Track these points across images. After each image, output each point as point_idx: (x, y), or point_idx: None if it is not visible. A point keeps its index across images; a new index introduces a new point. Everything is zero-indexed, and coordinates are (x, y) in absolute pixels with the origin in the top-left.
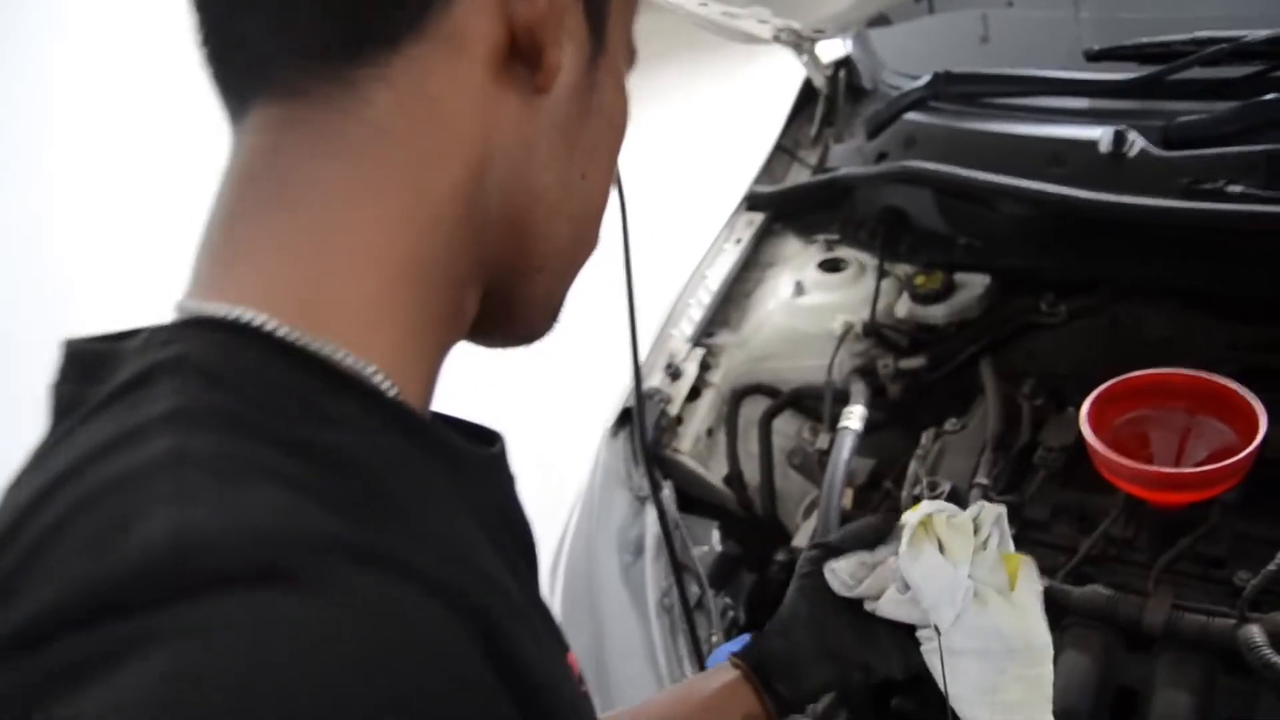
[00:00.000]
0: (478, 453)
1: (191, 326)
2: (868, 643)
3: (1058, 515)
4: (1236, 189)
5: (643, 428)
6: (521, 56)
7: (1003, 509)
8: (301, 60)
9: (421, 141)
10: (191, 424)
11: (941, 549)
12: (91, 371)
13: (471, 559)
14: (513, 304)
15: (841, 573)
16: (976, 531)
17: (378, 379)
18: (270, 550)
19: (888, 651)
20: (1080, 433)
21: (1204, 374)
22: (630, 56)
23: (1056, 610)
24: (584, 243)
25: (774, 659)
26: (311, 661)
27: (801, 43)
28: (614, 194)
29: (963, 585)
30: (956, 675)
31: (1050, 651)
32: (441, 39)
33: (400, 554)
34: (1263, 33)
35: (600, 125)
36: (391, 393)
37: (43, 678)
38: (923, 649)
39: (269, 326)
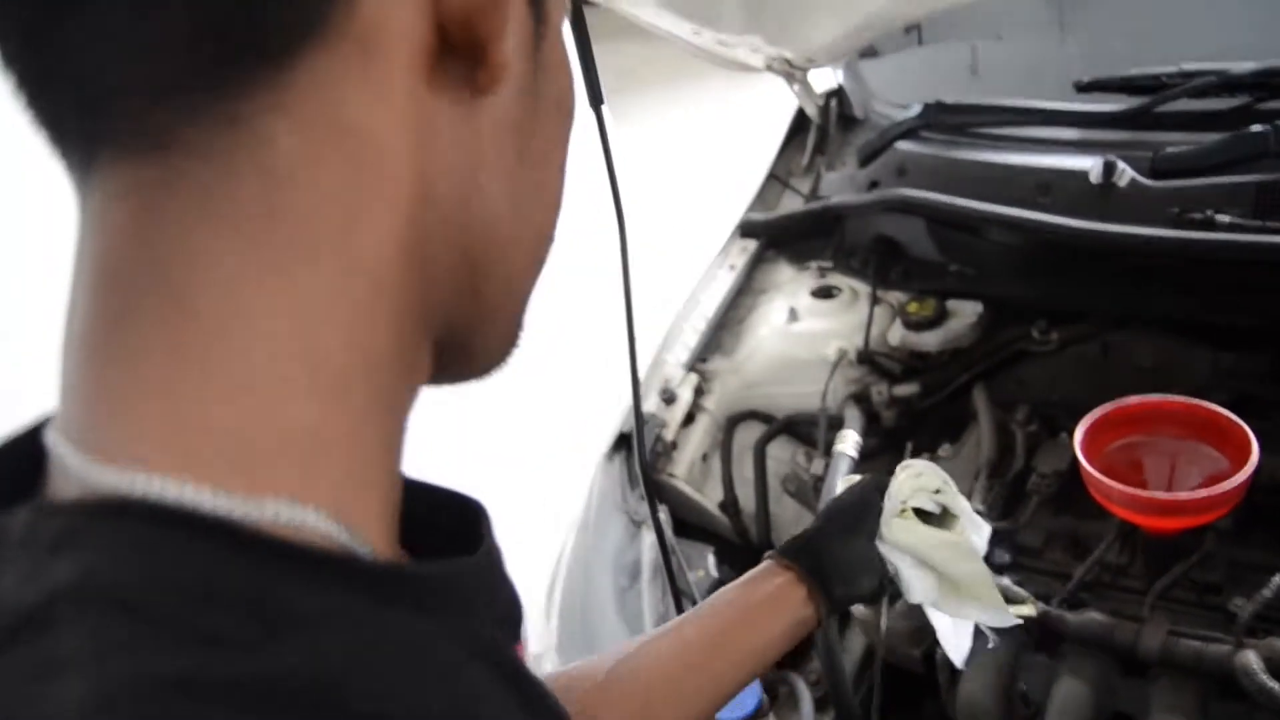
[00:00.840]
0: (459, 574)
1: (88, 515)
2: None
3: (1052, 541)
4: (1225, 219)
5: (642, 451)
6: (454, 52)
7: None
8: (162, 94)
9: (340, 187)
10: (116, 710)
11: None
12: None
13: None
14: (471, 348)
15: None
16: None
17: (334, 535)
18: None
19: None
20: (1073, 459)
21: (1196, 401)
22: (564, 9)
23: (1052, 636)
24: (540, 261)
25: (832, 559)
26: None
27: (794, 72)
28: (615, 224)
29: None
30: (913, 588)
31: (978, 552)
32: (350, 44)
33: None
34: (1248, 65)
35: (550, 118)
36: (351, 547)
37: None
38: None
39: (193, 508)
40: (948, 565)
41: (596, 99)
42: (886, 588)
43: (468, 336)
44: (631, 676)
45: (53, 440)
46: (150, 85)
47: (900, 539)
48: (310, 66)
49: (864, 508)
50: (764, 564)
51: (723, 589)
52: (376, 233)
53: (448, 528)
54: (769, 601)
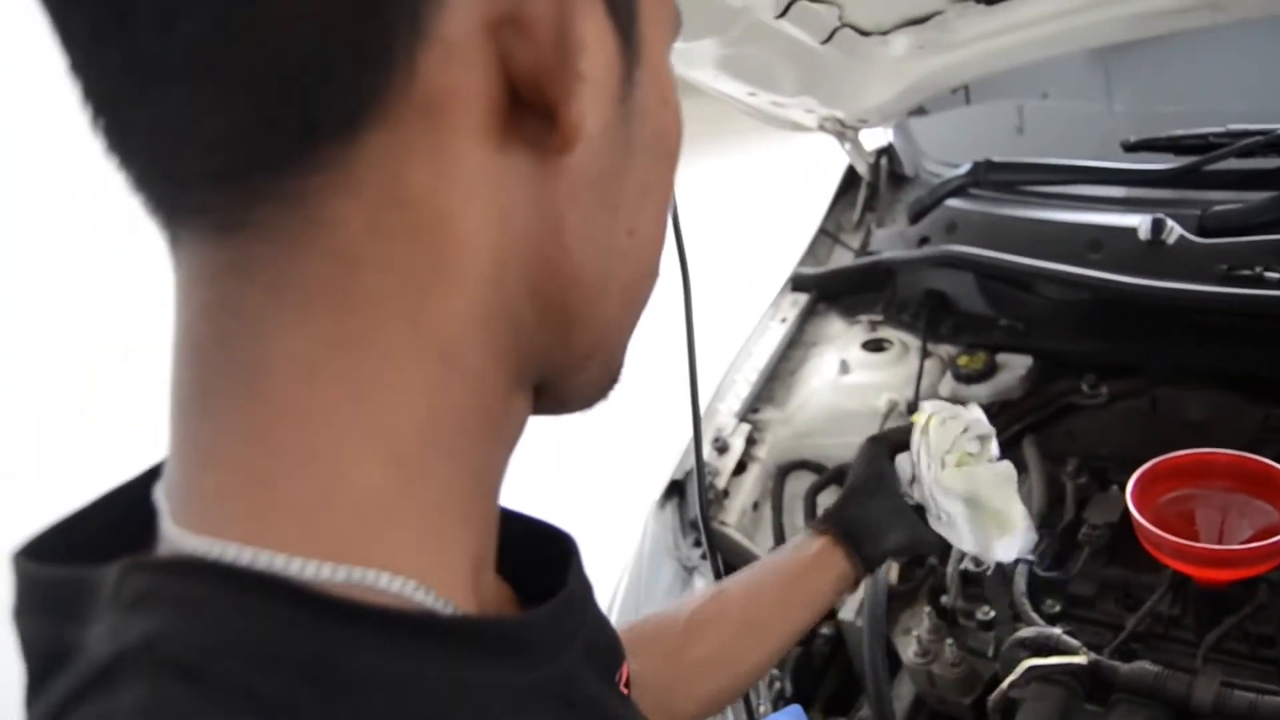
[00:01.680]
0: (537, 623)
1: (168, 573)
2: (914, 517)
3: (1104, 592)
4: (1274, 275)
5: (703, 493)
6: (528, 110)
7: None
8: (229, 179)
9: (409, 265)
10: None
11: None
12: (60, 610)
13: None
14: (566, 392)
15: None
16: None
17: (407, 593)
18: None
19: (920, 526)
20: (1124, 511)
21: (1245, 454)
22: (672, 32)
23: (1104, 687)
24: (639, 304)
25: (860, 523)
26: None
27: (845, 131)
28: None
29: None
30: (964, 536)
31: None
32: (413, 112)
33: None
34: None
35: (646, 161)
36: (427, 601)
37: None
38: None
39: (262, 570)
40: (1001, 500)
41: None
42: (918, 543)
43: (563, 380)
44: (710, 621)
45: (158, 495)
46: (218, 173)
47: (959, 486)
48: (373, 140)
49: (878, 472)
50: (801, 535)
51: (768, 555)
52: (450, 307)
53: (541, 559)
54: (814, 560)
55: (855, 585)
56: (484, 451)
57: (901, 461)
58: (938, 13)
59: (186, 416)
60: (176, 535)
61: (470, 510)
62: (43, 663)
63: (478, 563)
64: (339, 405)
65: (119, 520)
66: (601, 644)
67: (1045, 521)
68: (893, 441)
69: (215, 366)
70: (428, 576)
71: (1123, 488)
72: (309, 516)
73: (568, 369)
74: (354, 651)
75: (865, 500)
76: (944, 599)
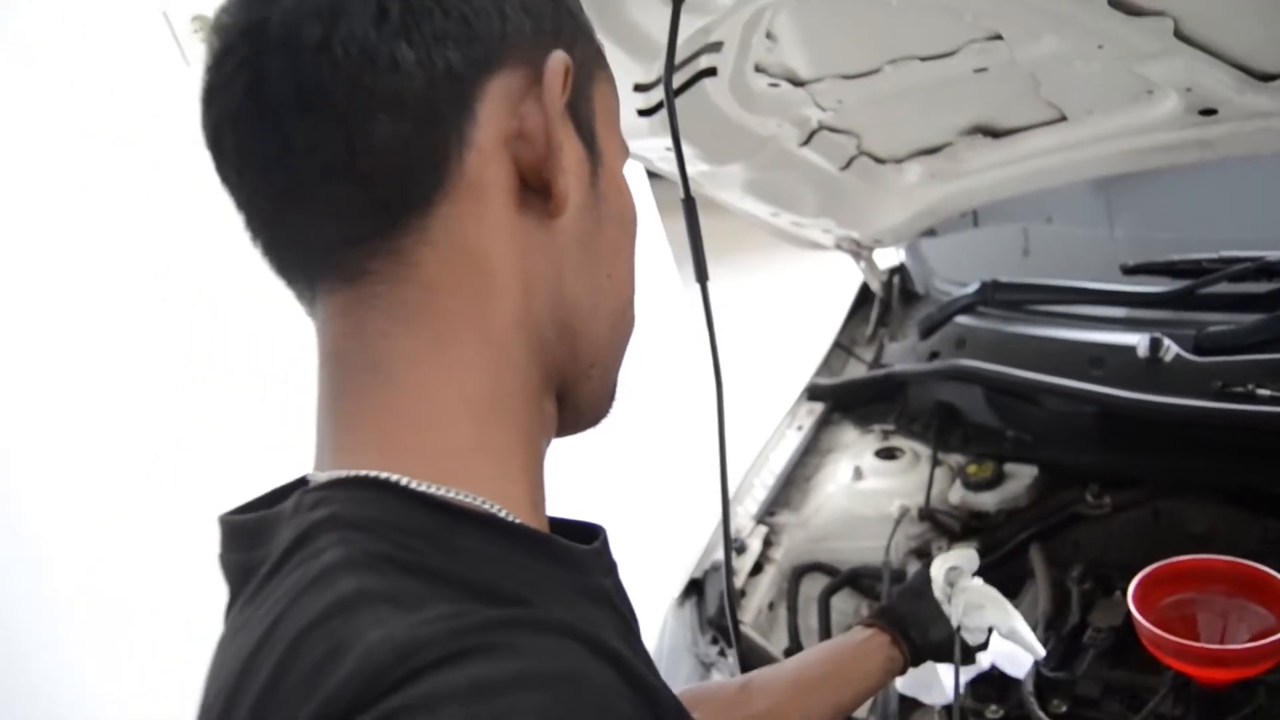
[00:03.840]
0: (582, 550)
1: (329, 488)
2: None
3: (1108, 693)
4: (1265, 392)
5: (730, 583)
6: (533, 190)
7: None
8: (354, 243)
9: (472, 289)
10: (359, 568)
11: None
12: (252, 541)
13: (594, 623)
14: (579, 399)
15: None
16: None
17: (485, 507)
18: (462, 639)
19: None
20: (1127, 615)
21: (1242, 561)
22: (623, 153)
23: None
24: (622, 330)
25: (909, 617)
26: (524, 698)
27: (861, 251)
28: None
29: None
30: (979, 627)
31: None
32: (464, 192)
33: (552, 621)
34: None
35: (613, 228)
36: (501, 514)
37: None
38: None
39: (393, 479)
40: (995, 604)
41: (702, 275)
42: (955, 641)
43: (575, 388)
44: (764, 683)
45: (309, 476)
46: (347, 241)
47: (971, 596)
48: (441, 211)
49: (922, 587)
50: (852, 628)
51: (820, 644)
52: (500, 318)
53: (578, 538)
54: (863, 645)
55: (903, 670)
56: (531, 425)
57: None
58: (948, 144)
59: (332, 403)
60: (324, 474)
61: (526, 464)
62: (238, 579)
63: (534, 506)
64: (436, 383)
65: (284, 492)
66: (626, 602)
67: (1051, 624)
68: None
69: (351, 366)
70: (502, 500)
71: (1126, 594)
72: (421, 457)
73: (578, 376)
74: (456, 532)
75: (913, 600)
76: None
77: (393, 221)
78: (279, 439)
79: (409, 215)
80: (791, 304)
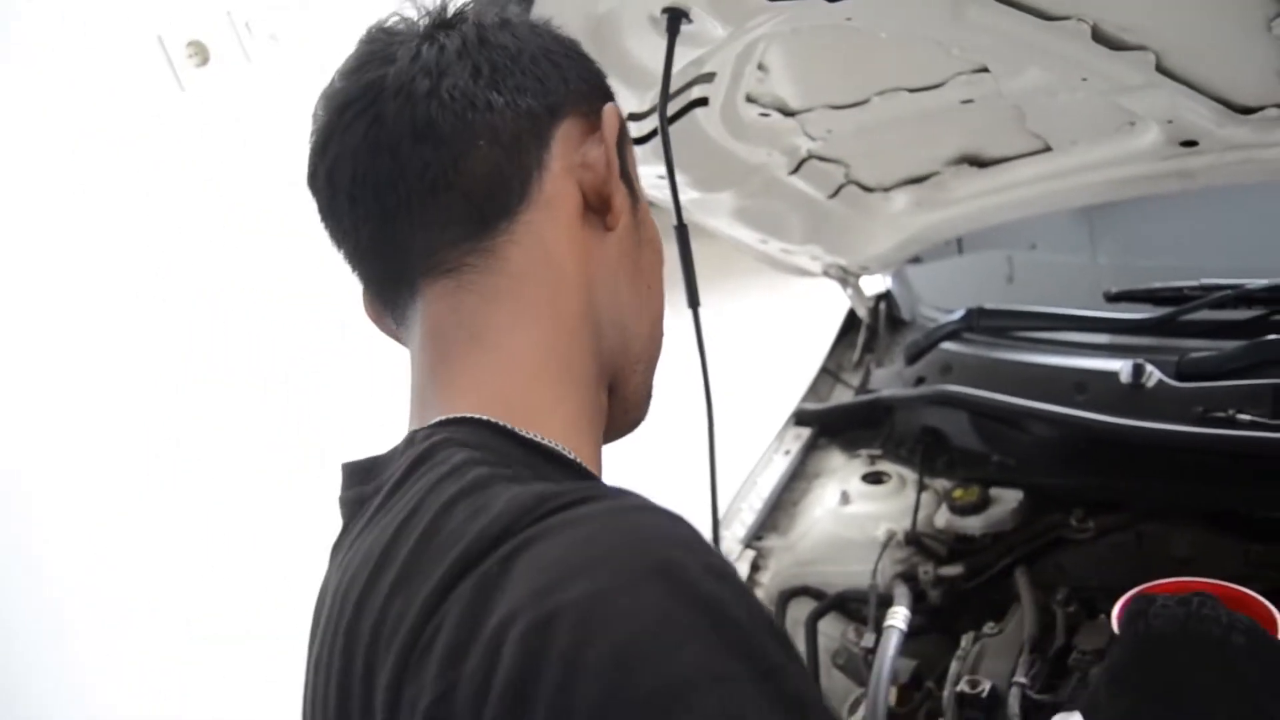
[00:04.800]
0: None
1: (438, 427)
2: None
3: None
4: (1245, 417)
5: None
6: (593, 208)
7: None
8: (456, 243)
9: (549, 281)
10: (484, 464)
11: None
12: (366, 476)
13: None
14: (626, 392)
15: None
16: None
17: (563, 451)
18: (577, 493)
19: None
20: (1111, 638)
21: (1226, 583)
22: (644, 194)
23: None
24: (659, 334)
25: None
26: (629, 525)
27: (848, 277)
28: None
29: None
30: None
31: None
32: (543, 205)
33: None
34: (1261, 281)
35: (649, 250)
36: (572, 457)
37: (476, 584)
38: None
39: (491, 419)
40: None
41: (694, 300)
42: None
43: (624, 379)
44: None
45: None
46: (451, 242)
47: None
48: (525, 218)
49: None
50: None
51: None
52: (569, 306)
53: None
54: None
55: None
56: (592, 402)
57: None
58: (935, 173)
59: (433, 370)
60: (436, 415)
61: (590, 429)
62: (352, 510)
63: (596, 455)
64: (524, 352)
65: (395, 450)
66: None
67: (1036, 647)
68: None
69: (452, 339)
70: (571, 446)
71: (1110, 617)
72: (511, 408)
73: (628, 370)
74: (547, 464)
75: None
76: None
77: (488, 226)
78: (279, 439)
79: (500, 220)
80: (779, 329)
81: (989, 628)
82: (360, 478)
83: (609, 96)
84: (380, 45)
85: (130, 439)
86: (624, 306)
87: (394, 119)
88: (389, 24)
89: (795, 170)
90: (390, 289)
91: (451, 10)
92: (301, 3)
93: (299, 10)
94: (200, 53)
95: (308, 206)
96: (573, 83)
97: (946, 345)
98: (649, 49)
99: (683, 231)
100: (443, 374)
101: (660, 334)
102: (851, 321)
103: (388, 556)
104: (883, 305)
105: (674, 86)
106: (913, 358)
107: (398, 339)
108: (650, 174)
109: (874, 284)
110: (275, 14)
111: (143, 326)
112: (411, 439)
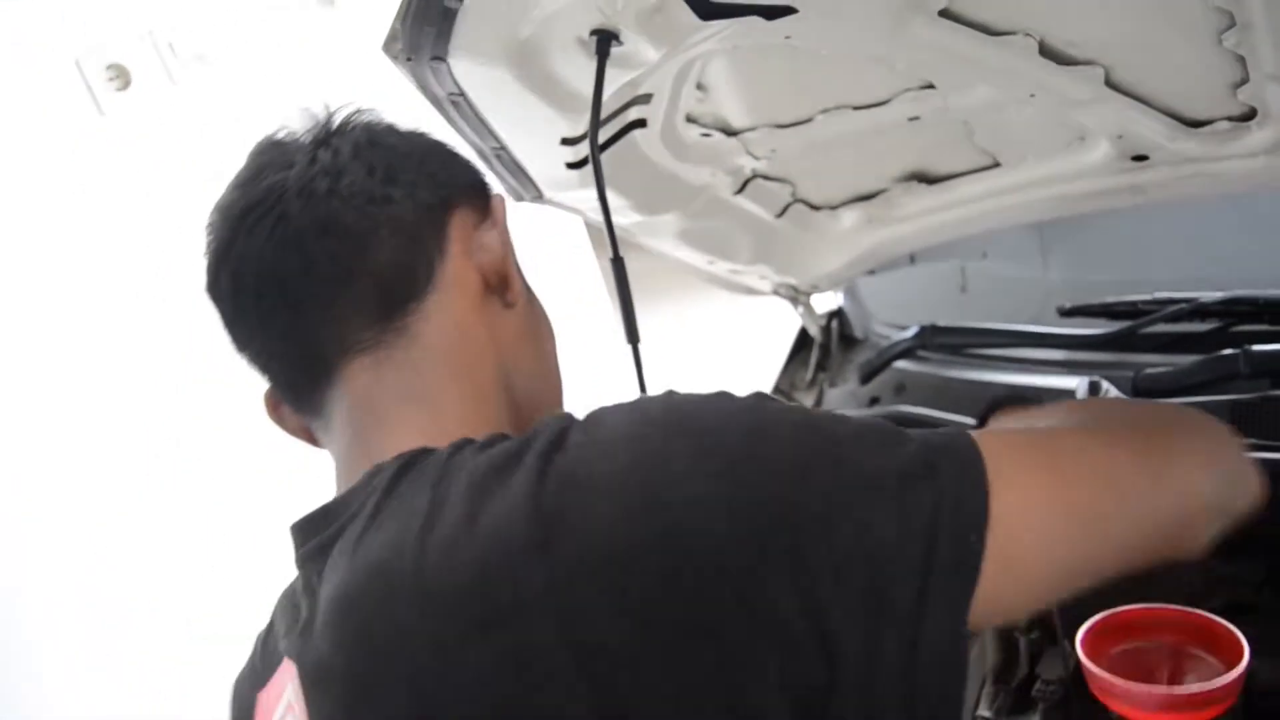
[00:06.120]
0: None
1: (398, 458)
2: None
3: None
4: None
5: None
6: (493, 288)
7: None
8: (370, 325)
9: (464, 349)
10: (465, 461)
11: None
12: (326, 522)
13: None
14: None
15: None
16: None
17: None
18: (563, 420)
19: None
20: (1076, 667)
21: (1188, 609)
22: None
23: None
24: (556, 384)
25: None
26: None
27: (798, 296)
28: None
29: None
30: None
31: None
32: (447, 287)
33: None
34: (1217, 294)
35: (542, 324)
36: None
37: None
38: None
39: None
40: None
41: (633, 337)
42: None
43: (535, 411)
44: None
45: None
46: (366, 325)
47: None
48: (433, 298)
49: None
50: None
51: None
52: (486, 371)
53: None
54: None
55: None
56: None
57: None
58: (883, 191)
59: (365, 432)
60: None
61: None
62: (317, 557)
63: None
64: (454, 405)
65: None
66: None
67: (999, 678)
68: None
69: (382, 402)
70: None
71: (1073, 643)
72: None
73: (537, 403)
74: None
75: None
76: None
77: (399, 308)
78: (279, 439)
79: (410, 302)
80: (730, 348)
81: None
82: (317, 526)
83: (489, 192)
84: (274, 155)
85: (130, 439)
86: (533, 375)
87: (298, 217)
88: (277, 137)
89: (740, 190)
90: (304, 378)
91: (337, 121)
92: (231, 21)
93: (228, 30)
94: (121, 75)
95: None
96: (460, 177)
97: (900, 364)
98: (579, 72)
99: (619, 265)
100: (378, 432)
101: (557, 381)
102: (803, 340)
103: (428, 533)
104: (834, 323)
105: (609, 109)
106: (866, 377)
107: (304, 433)
108: (589, 198)
109: (825, 301)
110: (201, 35)
111: (143, 326)
112: (376, 470)
